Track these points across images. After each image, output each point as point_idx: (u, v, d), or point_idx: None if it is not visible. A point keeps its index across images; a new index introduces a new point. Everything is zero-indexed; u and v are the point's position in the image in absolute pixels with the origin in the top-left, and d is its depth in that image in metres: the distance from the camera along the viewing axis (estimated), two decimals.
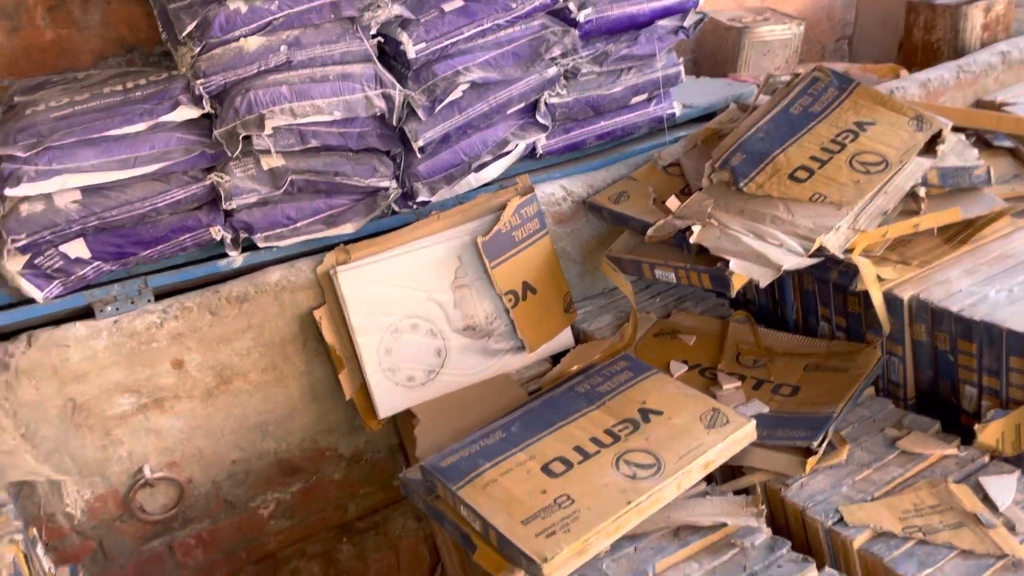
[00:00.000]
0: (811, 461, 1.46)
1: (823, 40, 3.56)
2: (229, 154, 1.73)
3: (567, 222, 2.10)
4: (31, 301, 1.68)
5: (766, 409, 1.63)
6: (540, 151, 2.13)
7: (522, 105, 2.02)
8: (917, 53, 3.07)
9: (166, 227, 1.75)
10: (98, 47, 2.08)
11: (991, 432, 1.43)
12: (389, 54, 1.90)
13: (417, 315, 1.87)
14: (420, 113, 1.86)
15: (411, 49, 1.83)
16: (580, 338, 2.05)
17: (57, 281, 1.69)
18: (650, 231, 1.85)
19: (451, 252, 1.90)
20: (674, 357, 1.87)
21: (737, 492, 1.47)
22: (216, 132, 1.73)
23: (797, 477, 1.46)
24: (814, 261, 1.63)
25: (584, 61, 2.07)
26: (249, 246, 1.84)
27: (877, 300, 1.64)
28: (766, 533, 1.35)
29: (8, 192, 1.60)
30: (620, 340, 1.93)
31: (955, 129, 1.93)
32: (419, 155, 1.90)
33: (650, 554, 1.35)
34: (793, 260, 1.62)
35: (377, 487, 2.06)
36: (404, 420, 1.91)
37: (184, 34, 1.71)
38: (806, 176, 1.79)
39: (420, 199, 1.95)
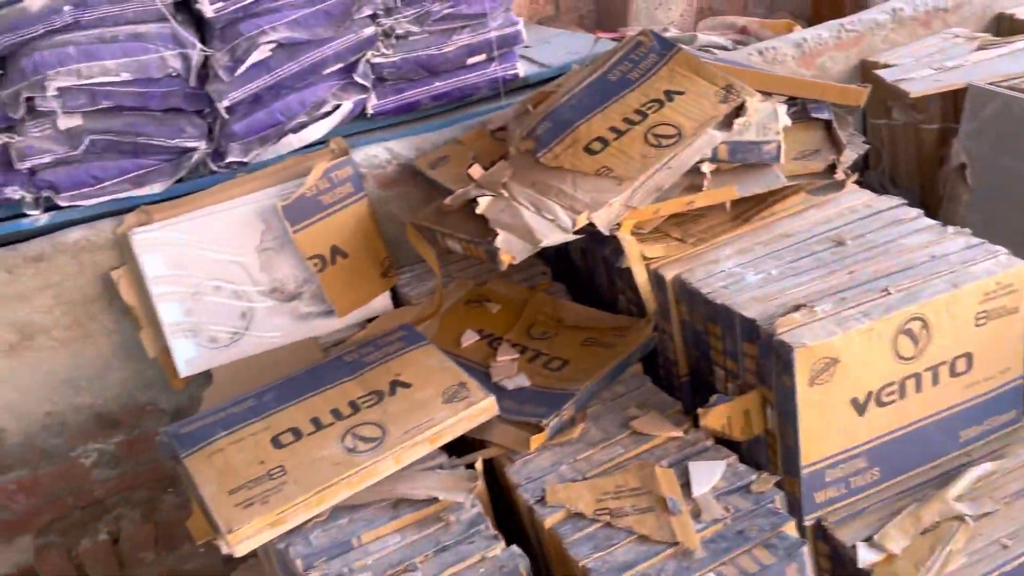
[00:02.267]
0: (536, 438, 1.47)
1: None
2: (13, 116, 1.74)
3: (393, 185, 2.09)
4: None
5: (527, 383, 1.64)
6: (370, 111, 2.10)
7: (340, 65, 1.99)
8: (825, 4, 2.95)
9: None
10: None
11: (714, 417, 1.42)
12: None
13: (220, 277, 1.89)
14: (222, 74, 1.85)
15: (208, 8, 1.81)
16: (401, 303, 2.06)
17: None
18: (448, 199, 1.83)
19: (256, 215, 1.90)
20: (475, 325, 1.88)
21: (471, 466, 1.50)
22: (2, 94, 1.73)
23: (524, 453, 1.48)
24: (575, 237, 1.61)
25: (405, 21, 2.02)
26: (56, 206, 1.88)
27: (640, 278, 1.62)
28: (473, 509, 1.38)
29: None
30: (428, 308, 1.94)
31: (789, 100, 1.87)
32: (226, 116, 1.90)
33: (361, 525, 1.39)
34: (557, 236, 1.61)
35: None
36: None
37: None
38: (600, 148, 1.75)
39: (231, 159, 1.95)
